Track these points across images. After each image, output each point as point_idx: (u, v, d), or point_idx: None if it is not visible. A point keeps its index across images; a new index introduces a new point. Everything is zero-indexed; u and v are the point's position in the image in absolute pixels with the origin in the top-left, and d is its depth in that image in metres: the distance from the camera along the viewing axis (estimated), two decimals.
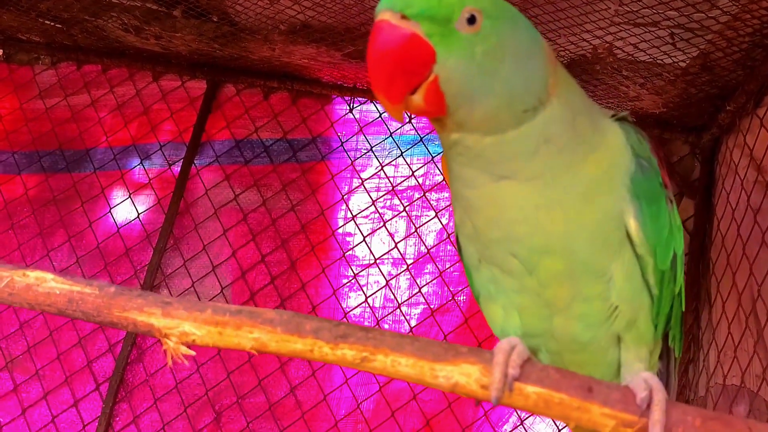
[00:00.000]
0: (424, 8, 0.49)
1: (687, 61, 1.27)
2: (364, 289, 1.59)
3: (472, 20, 0.51)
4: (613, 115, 0.60)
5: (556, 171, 0.55)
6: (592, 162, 0.55)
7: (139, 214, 1.68)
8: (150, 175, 1.72)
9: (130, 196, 1.70)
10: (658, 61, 1.29)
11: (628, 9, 1.13)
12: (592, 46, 1.28)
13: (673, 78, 1.32)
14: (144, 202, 1.71)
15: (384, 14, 0.50)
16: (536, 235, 0.56)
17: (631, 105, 1.47)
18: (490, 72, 0.51)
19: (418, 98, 0.51)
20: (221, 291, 1.60)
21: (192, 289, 1.61)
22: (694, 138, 1.53)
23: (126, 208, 1.70)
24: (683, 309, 0.64)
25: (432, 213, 1.62)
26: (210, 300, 1.59)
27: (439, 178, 1.65)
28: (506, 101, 0.52)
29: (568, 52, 1.30)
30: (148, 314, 0.62)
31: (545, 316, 0.59)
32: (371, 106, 1.71)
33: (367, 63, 0.51)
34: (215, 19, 1.48)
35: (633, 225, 0.56)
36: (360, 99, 1.71)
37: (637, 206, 0.56)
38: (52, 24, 1.68)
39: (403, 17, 0.49)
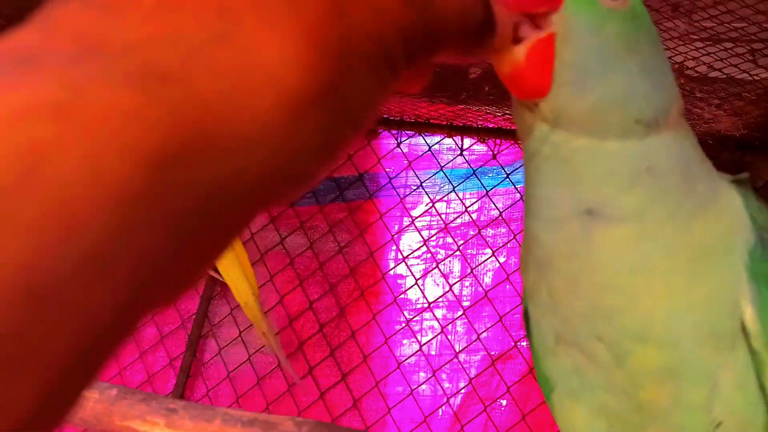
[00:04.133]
0: None
1: None
2: (418, 335, 1.49)
3: None
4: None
5: (656, 218, 0.43)
6: (702, 222, 0.43)
7: None
8: None
9: None
10: (736, 80, 1.15)
11: (700, 27, 1.00)
12: None
13: (754, 98, 1.17)
14: None
15: None
16: (630, 312, 0.43)
17: (707, 127, 1.33)
18: (616, 58, 0.41)
19: (520, 52, 0.39)
20: None
21: (240, 338, 1.54)
22: None
23: None
24: None
25: (488, 251, 1.51)
26: (259, 350, 1.52)
27: (495, 212, 1.54)
28: (622, 100, 0.41)
29: None
30: (151, 424, 0.54)
31: (636, 424, 0.46)
32: (420, 140, 1.62)
33: None
34: None
35: (749, 312, 0.43)
36: (408, 132, 1.62)
37: (756, 289, 0.43)
38: None
39: None
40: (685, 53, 1.08)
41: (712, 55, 1.07)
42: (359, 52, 0.19)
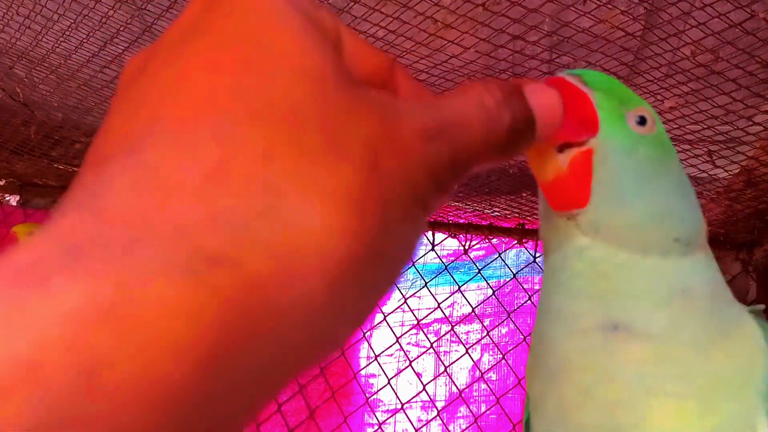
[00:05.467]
0: (602, 80, 0.43)
1: (728, 178, 1.16)
2: None
3: (642, 122, 0.42)
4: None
5: (680, 340, 0.42)
6: (721, 351, 0.43)
7: None
8: None
9: None
10: (697, 179, 1.18)
11: None
12: None
13: (715, 196, 1.21)
14: None
15: (561, 74, 0.43)
16: (641, 431, 0.43)
17: None
18: (650, 178, 0.42)
19: (563, 160, 0.40)
20: None
21: None
22: (746, 255, 1.39)
23: None
24: None
25: (462, 348, 1.49)
26: None
27: (467, 308, 1.52)
28: (660, 217, 0.42)
29: None
30: None
31: None
32: None
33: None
34: None
35: None
36: None
37: None
38: (67, 169, 1.67)
39: (580, 80, 0.42)
40: None
41: None
42: (394, 202, 0.19)
